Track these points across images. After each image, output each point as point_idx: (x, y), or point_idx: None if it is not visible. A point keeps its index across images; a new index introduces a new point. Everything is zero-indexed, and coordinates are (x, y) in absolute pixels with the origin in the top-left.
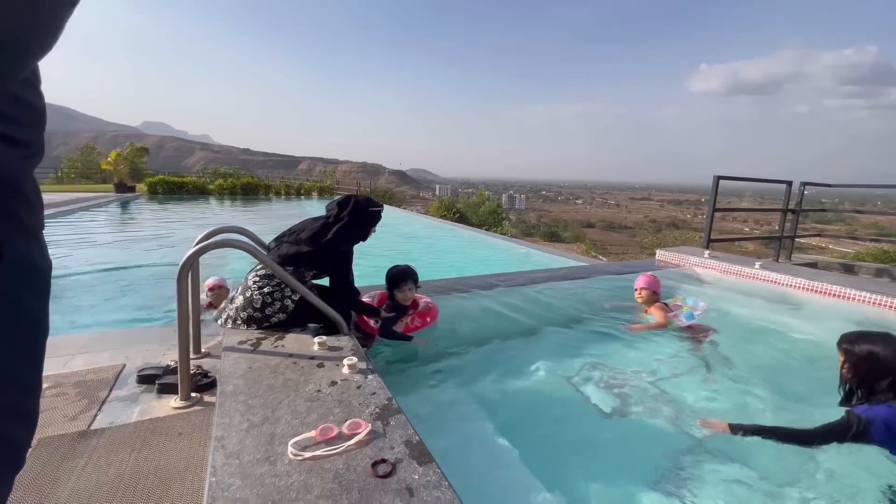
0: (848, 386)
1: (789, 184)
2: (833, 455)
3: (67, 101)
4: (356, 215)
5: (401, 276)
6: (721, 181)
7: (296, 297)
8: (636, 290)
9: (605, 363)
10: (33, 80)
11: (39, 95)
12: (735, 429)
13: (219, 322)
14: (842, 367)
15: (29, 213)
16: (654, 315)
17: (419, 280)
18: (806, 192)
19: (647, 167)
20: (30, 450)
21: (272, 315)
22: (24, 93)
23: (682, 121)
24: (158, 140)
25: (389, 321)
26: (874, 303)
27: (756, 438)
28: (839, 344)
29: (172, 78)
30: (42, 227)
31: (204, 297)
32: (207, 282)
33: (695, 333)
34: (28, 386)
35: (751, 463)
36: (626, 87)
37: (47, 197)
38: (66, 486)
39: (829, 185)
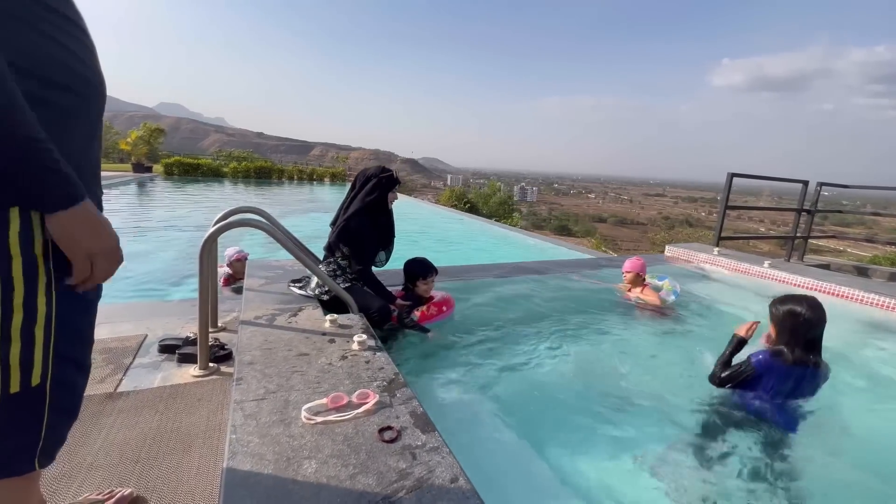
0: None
1: (805, 183)
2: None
3: None
4: (367, 181)
5: (427, 269)
6: (738, 179)
7: (344, 284)
8: (624, 272)
9: (602, 349)
10: (81, 53)
11: (88, 66)
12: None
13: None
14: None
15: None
16: (649, 297)
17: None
18: (825, 192)
19: (662, 163)
20: None
21: (321, 294)
22: (75, 64)
23: (702, 116)
24: (174, 122)
25: (407, 310)
26: (882, 305)
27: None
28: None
29: (189, 59)
30: (92, 195)
31: (225, 268)
32: (228, 251)
33: (665, 312)
34: (87, 340)
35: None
36: (645, 79)
37: None
38: (97, 440)
39: (846, 186)
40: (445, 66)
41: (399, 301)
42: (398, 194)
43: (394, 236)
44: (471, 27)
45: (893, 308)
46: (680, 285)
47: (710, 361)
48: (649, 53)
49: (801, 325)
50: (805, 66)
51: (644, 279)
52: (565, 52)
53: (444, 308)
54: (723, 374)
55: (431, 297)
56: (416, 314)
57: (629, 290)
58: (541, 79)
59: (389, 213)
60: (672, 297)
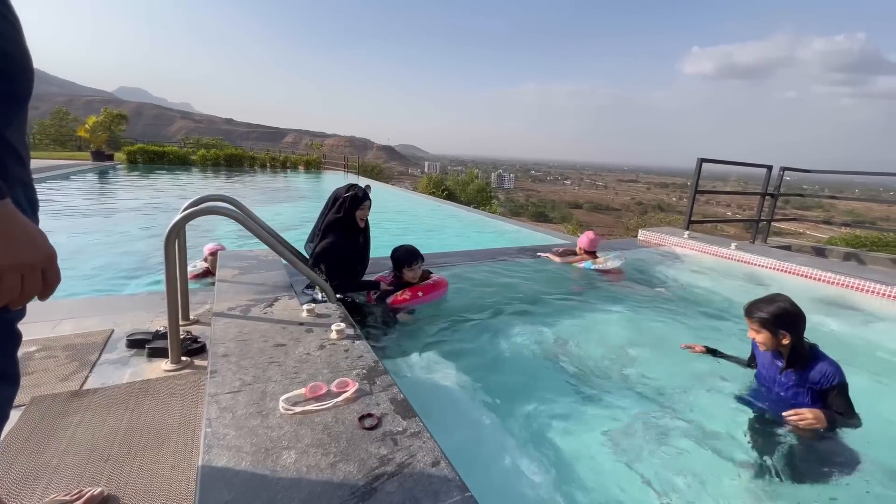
0: (789, 349)
1: (769, 168)
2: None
3: (38, 63)
4: (335, 200)
5: (412, 256)
6: (706, 165)
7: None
8: (578, 247)
9: (578, 329)
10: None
11: (9, 40)
12: (711, 351)
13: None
14: (772, 339)
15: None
16: (579, 263)
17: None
18: (787, 177)
19: (635, 149)
20: (23, 407)
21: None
22: None
23: (673, 103)
24: (136, 107)
25: (387, 293)
26: (835, 283)
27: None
28: (754, 319)
29: (151, 42)
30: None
31: (201, 263)
32: (207, 247)
33: (610, 277)
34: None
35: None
36: (619, 67)
37: None
38: (63, 439)
39: (807, 171)
40: (421, 52)
41: (383, 286)
42: (372, 204)
43: (369, 252)
44: (446, 15)
45: (847, 285)
46: (619, 263)
47: (681, 338)
48: (624, 40)
49: (804, 320)
50: (770, 54)
51: (595, 252)
52: (541, 40)
53: (421, 293)
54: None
55: (425, 278)
56: (390, 299)
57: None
58: (517, 66)
59: (364, 231)
60: (583, 266)
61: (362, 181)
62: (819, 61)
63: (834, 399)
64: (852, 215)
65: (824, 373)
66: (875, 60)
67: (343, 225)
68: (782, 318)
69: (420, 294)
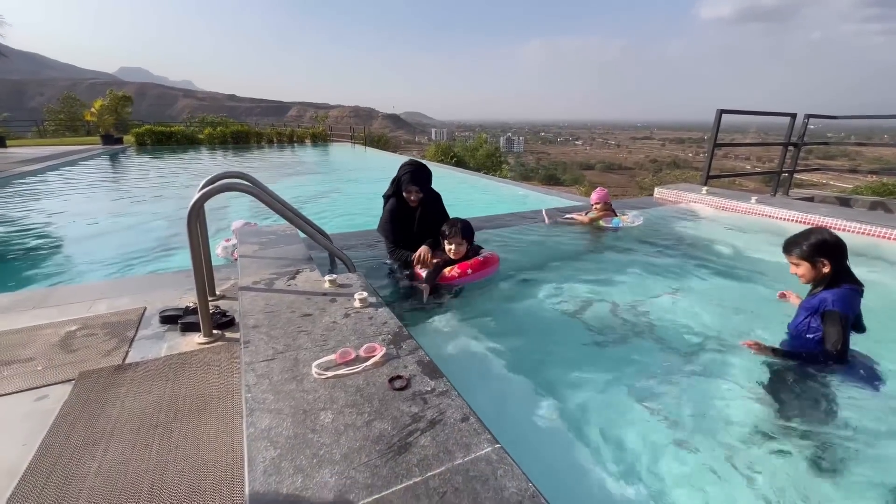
0: (830, 277)
1: (793, 116)
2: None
3: (37, 48)
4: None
5: (449, 227)
6: (725, 117)
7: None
8: (592, 203)
9: (592, 290)
10: None
11: None
12: (770, 350)
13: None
14: (812, 269)
15: None
16: (592, 219)
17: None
18: (811, 126)
19: (649, 104)
20: (73, 381)
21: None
22: None
23: (689, 53)
24: (139, 87)
25: (435, 269)
26: (863, 233)
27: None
28: (793, 254)
29: (148, 19)
30: None
31: (234, 242)
32: (235, 224)
33: (617, 235)
34: None
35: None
36: (630, 15)
37: (34, 151)
38: (115, 407)
39: (834, 118)
40: (425, 17)
41: (420, 258)
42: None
43: (427, 227)
44: None
45: (874, 234)
46: (631, 221)
47: (702, 295)
48: None
49: (844, 249)
50: None
51: (611, 205)
52: None
53: (469, 270)
54: (840, 347)
55: (476, 254)
56: (446, 272)
57: (599, 217)
58: (522, 22)
59: (417, 208)
60: (612, 225)
61: (370, 151)
62: None
63: (825, 324)
64: (880, 162)
65: (823, 298)
66: None
67: (394, 198)
68: (820, 247)
69: (469, 271)
